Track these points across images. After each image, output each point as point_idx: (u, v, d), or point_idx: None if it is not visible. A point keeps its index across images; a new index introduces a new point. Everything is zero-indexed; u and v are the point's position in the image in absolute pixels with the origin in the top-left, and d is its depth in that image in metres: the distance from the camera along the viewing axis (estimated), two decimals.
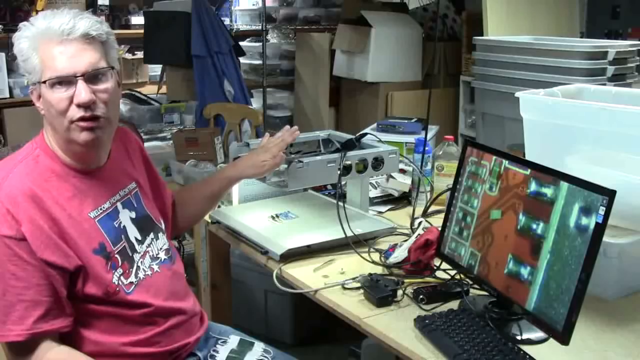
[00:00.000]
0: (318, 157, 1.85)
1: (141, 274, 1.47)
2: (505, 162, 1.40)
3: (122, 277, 1.41)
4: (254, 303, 2.82)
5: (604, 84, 2.59)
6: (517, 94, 1.73)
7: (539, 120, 1.70)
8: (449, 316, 1.36)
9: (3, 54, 3.69)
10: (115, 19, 4.31)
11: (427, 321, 1.35)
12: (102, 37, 1.36)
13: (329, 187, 2.23)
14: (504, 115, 2.92)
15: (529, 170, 1.33)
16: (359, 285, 1.53)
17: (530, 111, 1.72)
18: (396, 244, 1.69)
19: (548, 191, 1.27)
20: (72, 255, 1.33)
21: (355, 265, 1.66)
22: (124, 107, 3.98)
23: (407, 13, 4.41)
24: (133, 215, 1.51)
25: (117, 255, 1.42)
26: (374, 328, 1.38)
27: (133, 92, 4.21)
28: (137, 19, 4.31)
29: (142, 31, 4.03)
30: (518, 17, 3.47)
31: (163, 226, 1.63)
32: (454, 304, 1.46)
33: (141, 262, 1.48)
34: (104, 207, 1.43)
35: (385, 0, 4.32)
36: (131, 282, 1.43)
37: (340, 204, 1.77)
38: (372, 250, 1.73)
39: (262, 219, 1.91)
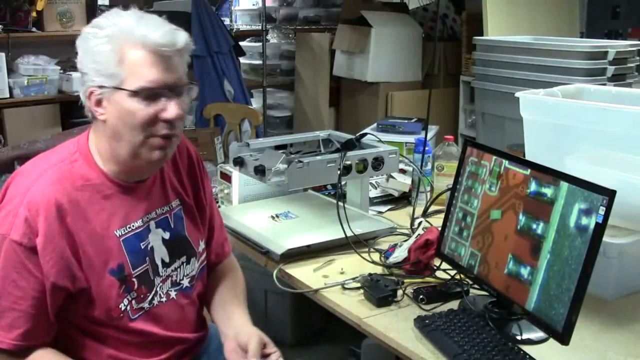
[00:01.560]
0: (318, 157, 1.85)
1: (156, 300, 1.37)
2: (505, 162, 1.40)
3: (133, 302, 1.33)
4: (254, 303, 2.81)
5: (604, 84, 2.59)
6: (517, 94, 1.73)
7: (539, 120, 1.70)
8: (449, 316, 1.36)
9: (3, 54, 3.68)
10: None
11: (427, 321, 1.35)
12: (189, 52, 1.29)
13: (329, 187, 2.23)
14: (504, 115, 2.92)
15: (529, 170, 1.33)
16: (359, 285, 1.53)
17: (530, 111, 1.71)
18: (396, 244, 1.69)
19: (548, 191, 1.27)
20: (80, 277, 1.26)
21: (355, 265, 1.66)
22: None
23: (407, 13, 4.41)
24: (167, 236, 1.40)
25: (134, 279, 1.33)
26: (374, 328, 1.38)
27: None
28: None
29: None
30: (518, 17, 3.47)
31: (200, 249, 1.48)
32: (454, 304, 1.46)
33: (160, 286, 1.38)
34: (133, 226, 1.33)
35: (385, 0, 4.32)
36: (141, 308, 1.34)
37: (340, 204, 1.77)
38: (372, 250, 1.73)
39: (262, 219, 1.91)
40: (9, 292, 1.23)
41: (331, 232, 1.76)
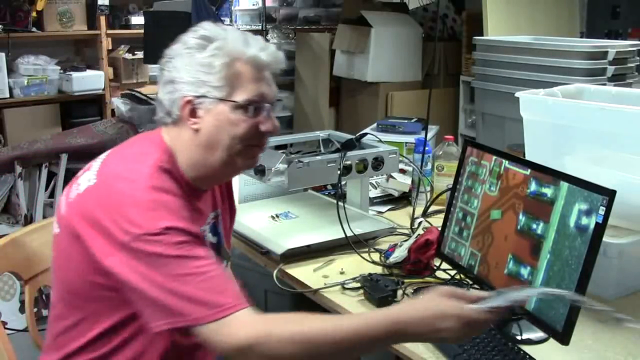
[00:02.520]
0: (318, 157, 1.85)
1: None
2: (505, 162, 1.40)
3: None
4: (254, 303, 2.81)
5: (604, 84, 2.59)
6: (517, 94, 1.73)
7: (539, 120, 1.70)
8: None
9: (3, 54, 3.68)
10: (115, 19, 4.30)
11: None
12: None
13: (329, 187, 2.23)
14: (504, 115, 2.91)
15: (529, 170, 1.33)
16: (359, 285, 1.53)
17: (530, 111, 1.72)
18: (396, 244, 1.69)
19: (548, 191, 1.27)
20: None
21: (355, 265, 1.66)
22: (123, 107, 3.98)
23: (407, 13, 4.41)
24: (214, 240, 1.44)
25: None
26: None
27: (133, 92, 4.21)
28: (137, 19, 4.30)
29: (142, 31, 4.02)
30: (518, 17, 3.47)
31: (230, 254, 1.54)
32: None
33: None
34: (203, 230, 1.37)
35: (385, 0, 4.32)
36: None
37: (340, 204, 1.77)
38: (372, 250, 1.74)
39: (262, 219, 1.91)
40: (206, 267, 1.16)
41: (331, 232, 1.76)
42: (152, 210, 1.15)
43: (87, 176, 1.26)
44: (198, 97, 1.26)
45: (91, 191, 1.22)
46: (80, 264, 1.22)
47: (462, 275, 1.52)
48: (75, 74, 3.96)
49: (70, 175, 3.49)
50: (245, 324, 1.13)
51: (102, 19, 4.10)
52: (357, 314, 1.17)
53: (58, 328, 1.31)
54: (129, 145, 1.35)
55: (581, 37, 3.64)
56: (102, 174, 1.24)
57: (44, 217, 2.95)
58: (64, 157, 2.92)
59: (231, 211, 1.56)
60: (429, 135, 2.58)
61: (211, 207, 1.43)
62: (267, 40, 4.75)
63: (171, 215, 1.16)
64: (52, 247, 1.32)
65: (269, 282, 1.66)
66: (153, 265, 1.12)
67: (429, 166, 2.19)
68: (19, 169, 2.89)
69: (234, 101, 1.26)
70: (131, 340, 1.25)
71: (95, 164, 1.29)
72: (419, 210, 2.02)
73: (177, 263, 1.13)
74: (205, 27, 1.30)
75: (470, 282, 1.49)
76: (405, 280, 1.55)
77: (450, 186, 1.59)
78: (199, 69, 1.26)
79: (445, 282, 1.54)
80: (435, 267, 1.60)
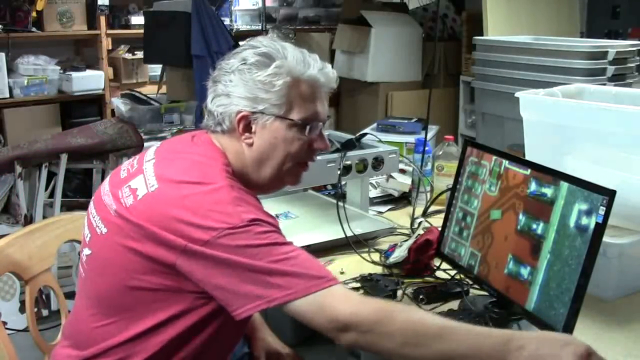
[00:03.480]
0: (318, 157, 1.85)
1: None
2: (505, 162, 1.40)
3: None
4: None
5: (604, 84, 2.59)
6: (517, 94, 1.73)
7: (539, 120, 1.70)
8: (449, 316, 1.36)
9: (3, 54, 3.68)
10: (115, 19, 4.30)
11: None
12: None
13: (329, 187, 2.23)
14: (504, 115, 2.92)
15: (529, 170, 1.33)
16: (359, 285, 1.53)
17: (530, 111, 1.72)
18: (396, 244, 1.69)
19: (548, 191, 1.27)
20: None
21: (355, 265, 1.66)
22: (124, 107, 3.98)
23: (407, 13, 4.41)
24: None
25: None
26: None
27: (133, 92, 4.21)
28: (137, 19, 4.30)
29: (142, 31, 4.03)
30: (518, 17, 3.47)
31: None
32: (454, 304, 1.46)
33: None
34: None
35: (385, 0, 4.32)
36: None
37: (340, 204, 1.77)
38: (372, 250, 1.74)
39: None
40: (296, 251, 1.18)
41: (331, 232, 1.76)
42: (235, 205, 1.17)
43: (142, 181, 1.24)
44: (254, 112, 1.28)
45: (158, 196, 1.20)
46: (130, 265, 1.21)
47: (462, 275, 1.52)
48: (75, 74, 3.96)
49: (70, 175, 3.49)
50: (348, 298, 1.13)
51: (102, 19, 4.10)
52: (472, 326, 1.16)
53: (90, 325, 1.30)
54: (183, 146, 1.34)
55: (581, 37, 3.64)
56: (164, 178, 1.23)
57: (44, 217, 2.94)
58: (64, 157, 2.92)
59: None
60: (429, 135, 2.59)
61: None
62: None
63: (253, 209, 1.19)
64: (88, 252, 1.32)
65: None
66: (245, 255, 1.13)
67: (429, 166, 2.19)
68: (19, 169, 2.88)
69: (291, 119, 1.28)
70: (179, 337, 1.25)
71: (147, 167, 1.27)
72: (419, 210, 2.02)
73: (269, 250, 1.14)
74: (265, 44, 1.31)
75: (470, 282, 1.49)
76: (405, 280, 1.55)
77: (450, 186, 1.59)
78: (259, 86, 1.27)
79: (445, 282, 1.54)
80: (435, 267, 1.60)
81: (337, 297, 1.12)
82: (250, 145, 1.30)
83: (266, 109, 1.27)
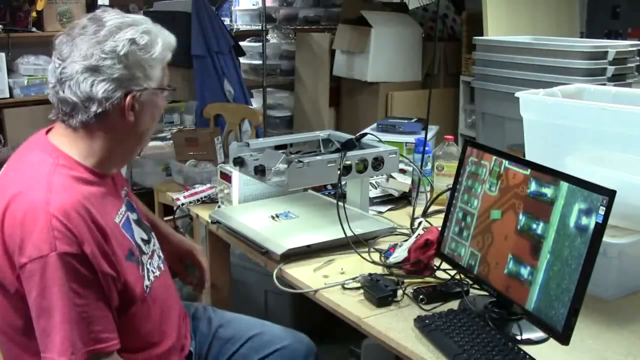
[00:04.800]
0: (318, 157, 1.85)
1: (152, 275, 1.44)
2: (505, 162, 1.40)
3: (146, 279, 1.41)
4: (254, 303, 2.81)
5: (604, 84, 2.59)
6: (517, 94, 1.73)
7: (539, 120, 1.70)
8: (449, 316, 1.36)
9: (3, 54, 3.68)
10: None
11: (427, 321, 1.35)
12: None
13: (329, 187, 2.23)
14: (504, 115, 2.92)
15: (529, 170, 1.33)
16: (359, 285, 1.53)
17: (530, 111, 1.72)
18: (396, 244, 1.69)
19: (548, 191, 1.27)
20: (119, 272, 1.30)
21: (355, 265, 1.66)
22: None
23: (407, 13, 4.41)
24: (135, 216, 1.48)
25: (141, 259, 1.41)
26: (374, 328, 1.38)
27: None
28: None
29: None
30: (518, 17, 3.47)
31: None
32: (454, 304, 1.46)
33: (150, 262, 1.46)
34: (122, 211, 1.40)
35: (385, 0, 4.32)
36: (147, 286, 1.41)
37: (340, 204, 1.77)
38: (372, 250, 1.73)
39: (262, 219, 1.91)
40: (76, 304, 1.21)
41: (331, 232, 1.76)
42: None
43: None
44: (143, 90, 1.37)
45: None
46: None
47: (462, 275, 1.52)
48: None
49: None
50: None
51: None
52: None
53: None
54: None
55: (581, 37, 3.64)
56: None
57: None
58: None
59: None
60: (429, 135, 2.58)
61: (121, 187, 1.50)
62: (267, 40, 4.80)
63: None
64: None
65: (269, 282, 1.66)
66: None
67: (429, 166, 2.19)
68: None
69: (166, 88, 1.44)
70: None
71: None
72: (419, 210, 2.02)
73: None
74: (134, 19, 1.40)
75: (470, 282, 1.49)
76: (405, 280, 1.55)
77: (450, 186, 1.59)
78: (147, 64, 1.36)
79: (445, 282, 1.54)
80: (435, 267, 1.60)
81: None
82: (134, 122, 1.38)
83: (150, 84, 1.39)
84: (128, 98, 1.31)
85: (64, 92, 1.31)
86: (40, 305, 1.20)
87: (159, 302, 1.45)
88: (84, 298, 1.22)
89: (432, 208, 2.02)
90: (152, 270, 1.46)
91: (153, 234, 1.56)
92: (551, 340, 1.23)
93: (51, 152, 1.33)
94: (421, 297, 1.46)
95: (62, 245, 1.19)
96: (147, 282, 1.41)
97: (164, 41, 1.37)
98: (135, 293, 1.35)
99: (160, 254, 1.55)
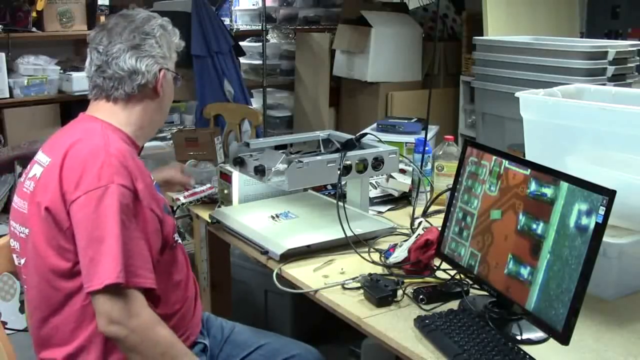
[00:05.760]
0: (318, 157, 1.85)
1: (176, 236, 1.59)
2: (505, 162, 1.40)
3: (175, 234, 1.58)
4: (254, 303, 2.81)
5: (604, 84, 2.59)
6: (517, 94, 1.73)
7: (539, 120, 1.70)
8: (449, 316, 1.36)
9: (3, 54, 3.68)
10: None
11: (427, 321, 1.35)
12: None
13: (329, 187, 2.23)
14: (504, 115, 2.92)
15: (529, 170, 1.33)
16: (359, 285, 1.53)
17: (530, 111, 1.71)
18: (396, 244, 1.69)
19: (548, 191, 1.27)
20: (159, 207, 1.48)
21: (355, 265, 1.66)
22: None
23: (407, 13, 4.41)
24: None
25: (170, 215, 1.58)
26: (374, 328, 1.38)
27: None
28: None
29: None
30: (518, 17, 3.47)
31: None
32: (454, 304, 1.46)
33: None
34: (152, 176, 1.56)
35: (385, 0, 4.31)
36: (175, 239, 1.58)
37: (340, 204, 1.77)
38: (372, 250, 1.73)
39: (262, 219, 1.91)
40: (134, 237, 1.37)
41: (331, 232, 1.76)
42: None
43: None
44: (168, 69, 1.62)
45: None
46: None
47: (462, 275, 1.52)
48: (75, 74, 3.95)
49: None
50: None
51: (102, 19, 4.10)
52: None
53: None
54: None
55: (581, 37, 3.64)
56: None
57: None
58: None
59: None
60: (429, 135, 2.58)
61: None
62: (267, 40, 4.80)
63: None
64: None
65: (269, 282, 1.66)
66: None
67: (429, 166, 2.19)
68: (19, 168, 2.89)
69: (170, 70, 1.62)
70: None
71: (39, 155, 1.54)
72: (419, 210, 2.02)
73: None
74: (153, 14, 1.63)
75: (470, 282, 1.49)
76: (405, 280, 1.55)
77: (450, 186, 1.59)
78: (171, 46, 1.64)
79: (445, 282, 1.54)
80: (435, 267, 1.60)
81: None
82: (161, 96, 1.60)
83: (171, 65, 1.63)
84: (162, 72, 1.55)
85: (110, 69, 1.51)
86: (92, 235, 1.33)
87: (181, 260, 1.59)
88: (130, 231, 1.35)
89: (432, 208, 2.02)
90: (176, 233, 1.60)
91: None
92: (551, 340, 1.23)
93: (96, 120, 1.52)
94: (421, 297, 1.46)
95: (120, 178, 1.36)
96: (175, 236, 1.57)
97: (177, 32, 1.64)
98: (169, 239, 1.51)
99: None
